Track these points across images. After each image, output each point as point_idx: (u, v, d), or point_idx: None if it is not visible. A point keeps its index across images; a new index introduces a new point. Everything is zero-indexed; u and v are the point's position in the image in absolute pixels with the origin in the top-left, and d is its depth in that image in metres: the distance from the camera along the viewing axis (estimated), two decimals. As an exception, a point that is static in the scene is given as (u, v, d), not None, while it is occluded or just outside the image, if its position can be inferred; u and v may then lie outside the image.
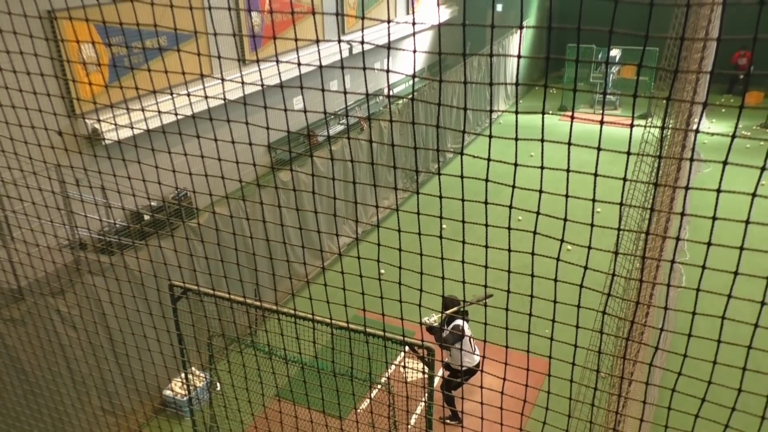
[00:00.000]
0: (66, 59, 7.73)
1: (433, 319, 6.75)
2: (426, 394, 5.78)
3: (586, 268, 2.17)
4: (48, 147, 3.53)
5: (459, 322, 6.68)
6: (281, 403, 4.10)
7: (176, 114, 2.90)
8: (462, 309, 6.53)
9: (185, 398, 7.22)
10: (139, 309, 3.99)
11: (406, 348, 4.77)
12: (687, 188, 1.96)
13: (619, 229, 2.11)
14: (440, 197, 2.32)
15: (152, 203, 7.68)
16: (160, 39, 8.63)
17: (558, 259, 2.13)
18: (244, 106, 2.56)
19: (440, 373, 7.42)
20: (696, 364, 2.01)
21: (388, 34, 1.90)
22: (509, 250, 2.24)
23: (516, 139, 2.09)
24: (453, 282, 2.57)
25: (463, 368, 6.76)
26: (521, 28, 1.79)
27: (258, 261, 8.07)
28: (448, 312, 6.56)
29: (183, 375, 6.79)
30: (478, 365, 6.84)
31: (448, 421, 7.17)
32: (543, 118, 2.04)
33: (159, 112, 2.76)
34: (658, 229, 4.56)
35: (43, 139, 3.50)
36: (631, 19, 3.05)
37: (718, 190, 1.75)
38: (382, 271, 2.18)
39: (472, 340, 6.77)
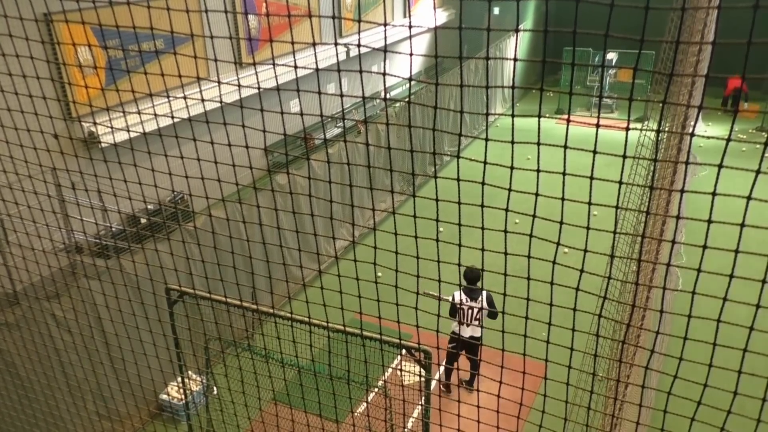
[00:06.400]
0: (62, 62, 7.72)
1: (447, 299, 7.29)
2: (423, 397, 5.77)
3: (582, 271, 2.17)
4: (44, 150, 3.52)
5: (456, 294, 7.17)
6: (278, 407, 4.09)
7: (173, 117, 2.90)
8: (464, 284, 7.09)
9: (182, 402, 7.20)
10: (136, 313, 3.97)
11: (403, 351, 4.76)
12: (683, 191, 1.97)
13: (615, 232, 2.12)
14: (437, 200, 2.32)
15: (149, 206, 7.67)
16: (157, 42, 8.63)
17: (554, 262, 2.14)
18: (241, 109, 2.56)
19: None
20: (692, 367, 2.01)
21: (385, 37, 1.90)
22: (506, 253, 2.24)
23: (512, 142, 2.10)
24: (450, 285, 2.57)
25: (455, 334, 7.30)
26: (518, 31, 1.80)
27: (255, 264, 8.07)
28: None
29: (179, 379, 6.76)
30: (469, 337, 7.26)
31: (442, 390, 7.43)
32: (539, 121, 2.04)
33: (155, 115, 2.76)
34: (654, 232, 4.56)
35: (39, 142, 3.50)
36: (628, 22, 3.07)
37: (714, 193, 1.76)
38: (379, 274, 2.18)
39: (470, 312, 7.14)
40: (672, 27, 4.48)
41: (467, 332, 7.16)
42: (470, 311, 7.09)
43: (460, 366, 7.89)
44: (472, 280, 7.03)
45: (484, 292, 7.15)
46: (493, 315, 7.08)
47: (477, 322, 7.14)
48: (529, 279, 2.30)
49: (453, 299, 7.14)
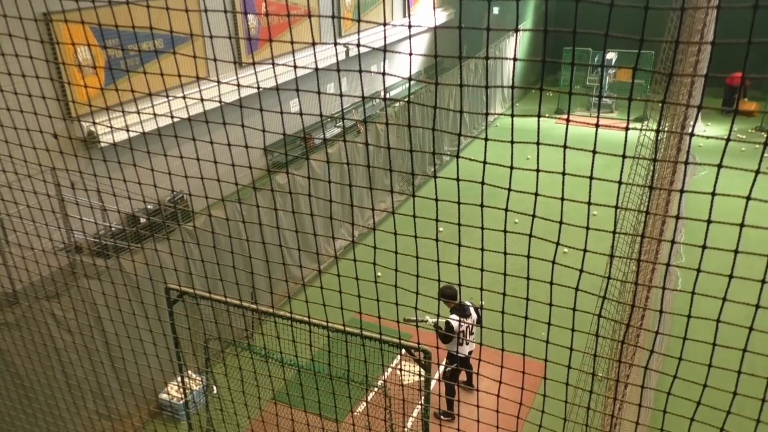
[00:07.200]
0: (62, 62, 7.71)
1: (427, 319, 6.95)
2: (422, 397, 5.78)
3: (581, 271, 2.17)
4: (43, 150, 3.52)
5: (453, 321, 6.92)
6: (278, 407, 4.09)
7: (172, 117, 2.90)
8: (458, 304, 6.91)
9: (181, 402, 7.20)
10: (135, 312, 3.97)
11: (403, 351, 4.76)
12: (682, 191, 1.97)
13: (614, 232, 2.12)
14: (436, 200, 2.32)
15: (148, 206, 7.66)
16: (156, 42, 8.62)
17: (554, 262, 2.14)
18: (240, 109, 2.55)
19: (444, 361, 7.55)
20: (692, 367, 2.01)
21: (384, 37, 1.90)
22: (505, 253, 2.24)
23: (512, 142, 2.10)
24: (448, 283, 2.56)
25: (458, 355, 7.07)
26: (517, 31, 1.80)
27: (254, 264, 8.05)
28: (443, 300, 7.05)
29: (179, 378, 6.76)
30: (470, 353, 7.17)
31: (443, 417, 7.23)
32: (539, 121, 2.04)
33: (155, 114, 2.76)
34: (653, 232, 4.57)
35: (39, 141, 3.49)
36: (627, 22, 3.07)
37: (713, 193, 1.76)
38: (379, 273, 2.18)
39: (468, 329, 7.03)
40: (672, 27, 4.48)
41: (466, 350, 7.11)
42: (468, 329, 7.04)
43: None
44: (453, 297, 6.95)
45: (469, 303, 7.13)
46: (479, 323, 7.09)
47: (473, 336, 7.13)
48: (528, 279, 2.30)
49: (451, 327, 6.88)
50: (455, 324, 6.87)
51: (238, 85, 2.39)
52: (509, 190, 2.18)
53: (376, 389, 6.49)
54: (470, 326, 7.04)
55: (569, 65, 1.84)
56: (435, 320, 6.85)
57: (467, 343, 7.04)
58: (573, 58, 1.91)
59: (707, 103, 17.06)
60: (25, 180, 3.81)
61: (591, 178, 1.99)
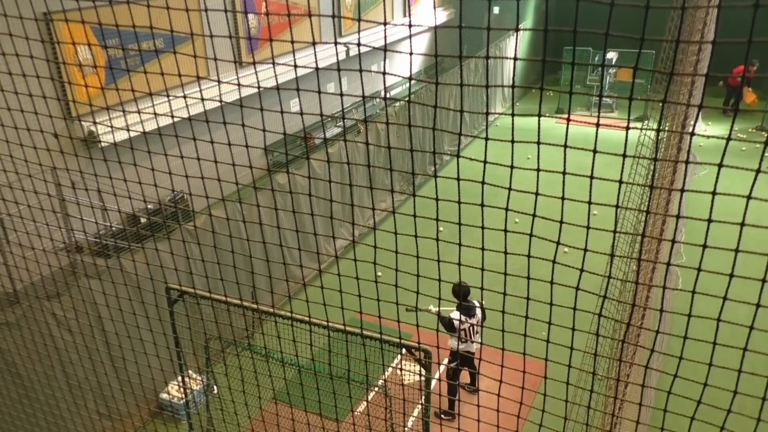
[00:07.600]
0: (62, 61, 7.71)
1: (431, 308, 6.99)
2: (423, 397, 5.78)
3: (582, 270, 2.17)
4: (44, 149, 3.52)
5: (455, 316, 6.95)
6: (278, 406, 4.10)
7: (172, 116, 2.90)
8: (462, 303, 6.89)
9: (182, 401, 7.20)
10: (136, 312, 3.97)
11: (403, 350, 4.76)
12: (683, 191, 1.97)
13: (615, 232, 2.12)
14: (437, 200, 2.32)
15: (149, 206, 7.67)
16: (157, 41, 8.62)
17: (554, 262, 2.14)
18: (241, 109, 2.56)
19: (445, 361, 7.56)
20: (692, 366, 2.01)
21: (385, 37, 1.90)
22: (506, 253, 2.24)
23: (512, 142, 2.10)
24: (450, 284, 2.57)
25: (461, 352, 7.05)
26: (518, 30, 1.80)
27: (255, 264, 8.07)
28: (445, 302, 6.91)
29: (180, 378, 6.76)
30: (473, 353, 7.16)
31: (443, 416, 7.23)
32: (539, 120, 2.04)
33: (155, 114, 2.76)
34: (654, 232, 4.57)
35: (39, 141, 3.50)
36: (628, 21, 3.07)
37: (714, 193, 1.76)
38: (379, 273, 2.18)
39: (472, 328, 7.02)
40: (672, 26, 4.48)
41: (473, 347, 7.11)
42: (471, 328, 7.06)
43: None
44: (464, 295, 6.93)
45: (476, 302, 7.14)
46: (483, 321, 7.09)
47: (478, 336, 7.13)
48: (529, 278, 2.30)
49: (451, 318, 6.95)
50: (456, 323, 6.90)
51: (239, 85, 2.39)
52: (510, 189, 2.18)
53: (376, 389, 6.49)
54: (473, 326, 7.05)
55: (570, 65, 1.84)
56: (438, 310, 6.88)
57: (472, 342, 7.06)
58: (573, 57, 1.90)
59: (708, 102, 17.03)
60: (25, 179, 3.81)
61: (591, 177, 1.99)
